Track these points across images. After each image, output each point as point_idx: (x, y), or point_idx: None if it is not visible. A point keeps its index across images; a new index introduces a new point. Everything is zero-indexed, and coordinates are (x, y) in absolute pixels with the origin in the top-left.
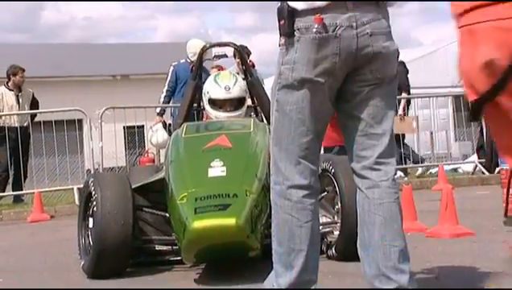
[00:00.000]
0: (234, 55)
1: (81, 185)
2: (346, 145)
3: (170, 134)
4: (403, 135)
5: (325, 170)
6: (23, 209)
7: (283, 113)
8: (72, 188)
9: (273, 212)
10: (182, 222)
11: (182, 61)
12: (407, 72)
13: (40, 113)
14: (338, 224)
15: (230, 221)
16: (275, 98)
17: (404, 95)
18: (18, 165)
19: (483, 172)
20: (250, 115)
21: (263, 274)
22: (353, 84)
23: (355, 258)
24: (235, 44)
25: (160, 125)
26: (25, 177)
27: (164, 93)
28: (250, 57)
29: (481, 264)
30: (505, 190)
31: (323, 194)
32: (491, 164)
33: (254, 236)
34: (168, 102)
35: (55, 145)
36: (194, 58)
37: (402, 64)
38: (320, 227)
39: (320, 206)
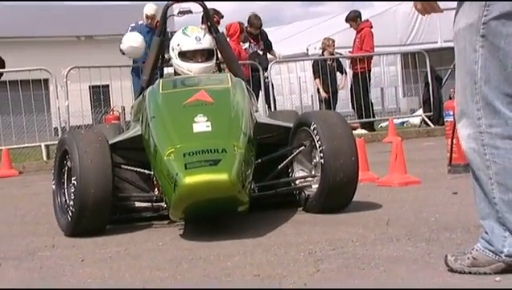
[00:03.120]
0: (202, 18)
1: (49, 142)
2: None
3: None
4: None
5: (302, 124)
6: None
7: (494, 47)
8: (40, 145)
9: (491, 157)
10: (171, 178)
11: (140, 22)
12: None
13: (6, 72)
14: (316, 178)
15: (223, 176)
16: (479, 34)
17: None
18: None
19: (428, 125)
20: (213, 72)
21: (248, 226)
22: None
23: (332, 211)
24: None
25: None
26: None
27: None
28: (222, 21)
29: (428, 209)
30: (449, 141)
31: (300, 148)
32: (439, 117)
33: (244, 191)
34: None
35: (21, 104)
36: (145, 19)
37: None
38: (297, 181)
39: (296, 161)
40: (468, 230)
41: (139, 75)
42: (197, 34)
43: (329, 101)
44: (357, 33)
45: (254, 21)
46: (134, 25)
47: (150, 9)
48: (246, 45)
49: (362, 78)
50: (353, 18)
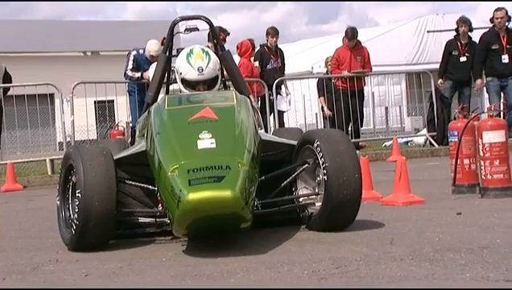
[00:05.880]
0: (208, 35)
1: (54, 157)
2: None
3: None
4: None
5: (306, 142)
6: None
7: None
8: (45, 160)
9: None
10: (175, 194)
11: (141, 51)
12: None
13: (13, 87)
14: (319, 196)
15: (226, 193)
16: None
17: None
18: None
19: (433, 145)
20: (219, 89)
21: (251, 244)
22: None
23: (335, 229)
24: (206, 18)
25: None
26: None
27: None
28: (231, 39)
29: (431, 229)
30: (453, 161)
31: (304, 166)
32: (443, 137)
33: (248, 208)
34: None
35: (27, 118)
36: (149, 56)
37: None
38: (301, 199)
39: (299, 178)
40: (473, 251)
41: (135, 94)
42: (200, 63)
43: (333, 119)
44: (358, 49)
45: (270, 31)
46: (135, 53)
47: (154, 49)
48: (256, 63)
49: (359, 96)
50: (357, 34)
